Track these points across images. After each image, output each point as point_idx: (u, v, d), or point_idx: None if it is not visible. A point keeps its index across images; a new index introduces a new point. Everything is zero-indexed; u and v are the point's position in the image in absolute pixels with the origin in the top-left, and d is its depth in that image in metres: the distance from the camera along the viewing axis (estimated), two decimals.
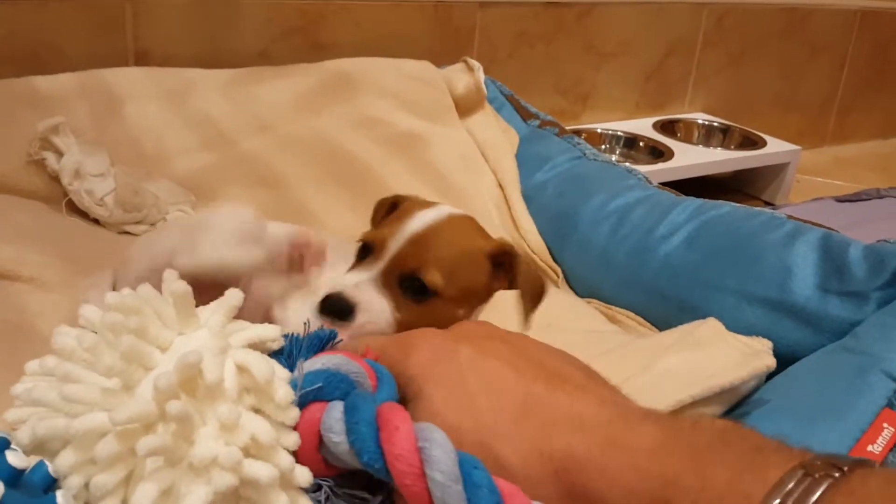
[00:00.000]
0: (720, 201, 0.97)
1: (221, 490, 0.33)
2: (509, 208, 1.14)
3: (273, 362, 0.37)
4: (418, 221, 0.57)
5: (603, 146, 1.72)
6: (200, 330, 0.38)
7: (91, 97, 1.03)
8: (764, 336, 0.72)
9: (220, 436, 0.34)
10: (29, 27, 1.11)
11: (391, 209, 0.64)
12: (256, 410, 0.36)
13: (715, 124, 1.85)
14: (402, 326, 0.54)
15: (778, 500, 0.30)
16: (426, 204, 0.61)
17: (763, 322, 0.78)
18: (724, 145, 1.80)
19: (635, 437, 0.35)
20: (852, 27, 2.09)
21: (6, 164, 0.93)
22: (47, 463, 0.34)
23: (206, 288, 0.41)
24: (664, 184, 1.10)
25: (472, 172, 1.18)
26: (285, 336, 0.41)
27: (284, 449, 0.35)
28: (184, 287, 0.37)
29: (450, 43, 1.47)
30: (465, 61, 1.32)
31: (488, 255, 0.59)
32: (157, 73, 1.11)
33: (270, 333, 0.39)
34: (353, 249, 0.61)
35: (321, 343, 0.41)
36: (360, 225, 0.69)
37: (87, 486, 0.34)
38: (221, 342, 0.37)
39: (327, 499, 0.37)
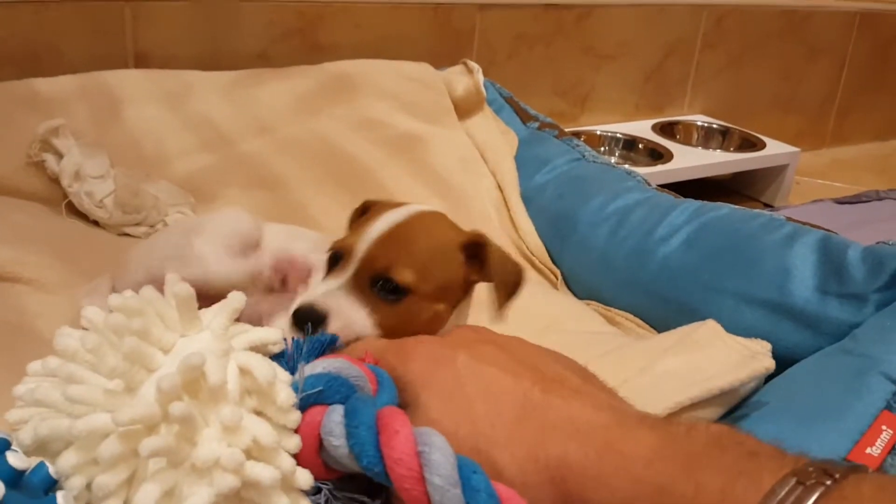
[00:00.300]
0: (719, 203, 0.97)
1: (223, 492, 0.33)
2: (508, 210, 1.14)
3: (275, 365, 0.37)
4: (384, 222, 0.56)
5: (602, 148, 1.72)
6: (203, 332, 0.38)
7: (91, 99, 1.03)
8: (763, 338, 0.71)
9: (222, 437, 0.34)
10: (29, 29, 1.11)
11: (362, 216, 0.63)
12: (258, 413, 0.36)
13: (714, 126, 1.85)
14: (384, 328, 0.53)
15: None
16: (394, 205, 0.60)
17: (762, 324, 0.78)
18: (724, 147, 1.80)
19: (631, 443, 0.35)
20: (851, 29, 2.09)
21: (6, 165, 0.93)
22: (48, 464, 0.34)
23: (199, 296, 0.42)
24: (663, 185, 1.10)
25: (471, 174, 1.18)
26: (286, 339, 0.41)
27: (286, 451, 0.36)
28: (186, 289, 0.37)
29: (449, 45, 1.48)
30: (465, 63, 1.32)
31: (460, 247, 0.58)
32: (156, 75, 1.11)
33: (272, 336, 0.40)
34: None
35: (322, 347, 0.41)
36: None
37: (88, 486, 0.34)
38: (224, 344, 0.37)
39: (327, 501, 0.37)
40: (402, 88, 1.25)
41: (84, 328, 0.38)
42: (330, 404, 0.37)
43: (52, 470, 0.34)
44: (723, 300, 0.83)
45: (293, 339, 0.41)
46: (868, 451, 0.56)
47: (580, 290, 1.03)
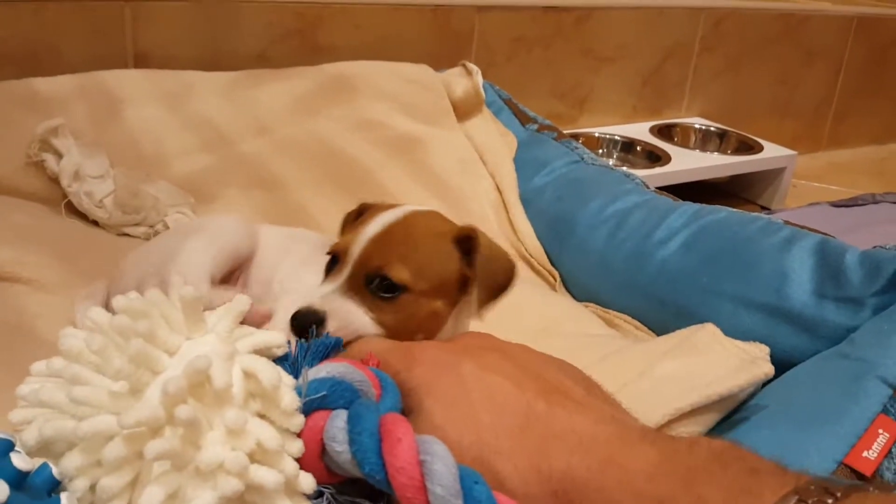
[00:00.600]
0: (718, 206, 0.97)
1: (227, 495, 0.33)
2: (507, 212, 1.15)
3: (279, 368, 0.37)
4: (378, 222, 0.57)
5: (600, 150, 1.72)
6: (208, 335, 0.38)
7: (90, 99, 1.03)
8: (760, 341, 0.71)
9: (226, 441, 0.34)
10: (28, 29, 1.11)
11: (357, 218, 0.63)
12: (262, 416, 0.36)
13: (712, 129, 1.86)
14: (384, 327, 0.54)
15: None
16: (389, 206, 0.61)
17: (760, 327, 0.78)
18: (721, 150, 1.81)
19: (633, 457, 0.35)
20: (848, 33, 2.10)
21: (5, 165, 0.93)
22: (51, 465, 0.35)
23: None
24: (661, 188, 1.10)
25: (470, 176, 1.18)
26: (289, 343, 0.41)
27: (289, 455, 0.36)
28: (192, 292, 0.37)
29: (448, 47, 1.48)
30: (464, 65, 1.32)
31: (454, 242, 0.58)
32: (156, 76, 1.11)
33: (276, 340, 0.40)
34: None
35: (326, 350, 0.41)
36: None
37: (92, 488, 0.34)
38: (229, 347, 0.37)
39: None
40: (401, 90, 1.25)
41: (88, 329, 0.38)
42: (333, 409, 0.37)
43: (55, 471, 0.34)
44: (721, 303, 0.83)
45: (297, 342, 0.41)
46: (865, 454, 0.57)
47: (579, 292, 1.03)
